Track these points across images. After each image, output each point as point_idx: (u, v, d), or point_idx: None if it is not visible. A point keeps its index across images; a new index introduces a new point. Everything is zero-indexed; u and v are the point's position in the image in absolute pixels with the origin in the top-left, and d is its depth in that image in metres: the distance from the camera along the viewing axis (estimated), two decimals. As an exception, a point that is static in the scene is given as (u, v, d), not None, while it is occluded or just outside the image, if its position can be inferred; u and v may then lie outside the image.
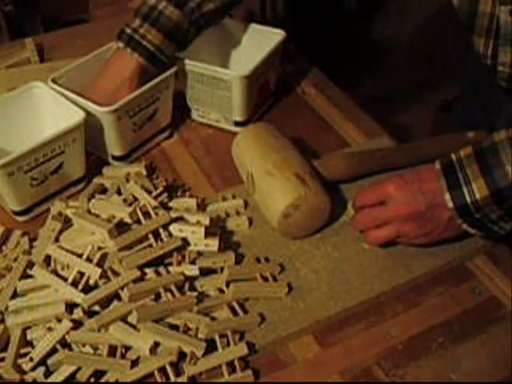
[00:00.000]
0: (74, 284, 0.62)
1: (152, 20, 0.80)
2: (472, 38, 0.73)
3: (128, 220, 0.66)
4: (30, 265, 0.64)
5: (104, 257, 0.64)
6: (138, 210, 0.67)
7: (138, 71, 0.80)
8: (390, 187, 0.65)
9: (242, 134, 0.78)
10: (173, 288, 0.62)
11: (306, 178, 0.68)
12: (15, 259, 0.66)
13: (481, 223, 0.63)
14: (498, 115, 0.82)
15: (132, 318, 0.60)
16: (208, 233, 0.65)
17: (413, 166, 0.75)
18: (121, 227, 0.66)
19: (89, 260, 0.63)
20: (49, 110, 0.79)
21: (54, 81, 0.78)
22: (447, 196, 0.62)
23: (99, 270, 0.62)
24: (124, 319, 0.60)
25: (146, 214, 0.67)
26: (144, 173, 0.77)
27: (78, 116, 0.73)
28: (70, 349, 0.59)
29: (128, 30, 0.80)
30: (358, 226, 0.69)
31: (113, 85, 0.80)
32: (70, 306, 0.61)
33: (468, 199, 0.61)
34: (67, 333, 0.59)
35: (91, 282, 0.62)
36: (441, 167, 0.64)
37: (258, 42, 0.89)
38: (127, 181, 0.74)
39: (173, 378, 0.57)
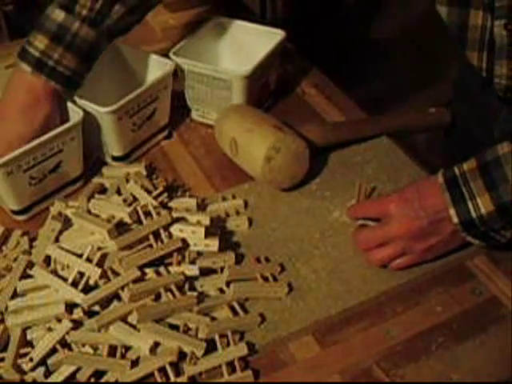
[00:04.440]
0: (74, 284, 0.61)
1: (66, 44, 0.71)
2: (465, 52, 0.72)
3: (128, 220, 0.66)
4: (30, 265, 0.64)
5: (104, 257, 0.64)
6: (139, 210, 0.67)
7: (54, 98, 0.72)
8: (389, 205, 0.65)
9: (221, 112, 0.82)
10: (173, 288, 0.62)
11: (284, 128, 0.75)
12: (15, 259, 0.66)
13: (484, 234, 0.63)
14: (494, 120, 0.81)
15: (132, 318, 0.60)
16: (208, 233, 0.66)
17: (379, 136, 0.84)
18: (121, 227, 0.66)
19: (89, 260, 0.63)
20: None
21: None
22: (452, 211, 0.62)
23: (99, 270, 0.62)
24: (124, 319, 0.60)
25: (147, 214, 0.67)
26: (144, 173, 0.77)
27: (76, 115, 0.73)
28: (70, 349, 0.59)
29: (36, 53, 0.70)
30: (361, 245, 0.69)
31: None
32: (70, 306, 0.61)
33: (473, 214, 0.61)
34: (67, 333, 0.59)
35: (91, 282, 0.62)
36: (444, 181, 0.63)
37: (258, 42, 0.89)
38: (127, 181, 0.74)
39: (173, 378, 0.57)
